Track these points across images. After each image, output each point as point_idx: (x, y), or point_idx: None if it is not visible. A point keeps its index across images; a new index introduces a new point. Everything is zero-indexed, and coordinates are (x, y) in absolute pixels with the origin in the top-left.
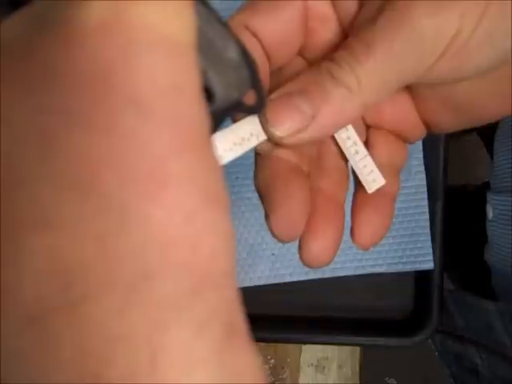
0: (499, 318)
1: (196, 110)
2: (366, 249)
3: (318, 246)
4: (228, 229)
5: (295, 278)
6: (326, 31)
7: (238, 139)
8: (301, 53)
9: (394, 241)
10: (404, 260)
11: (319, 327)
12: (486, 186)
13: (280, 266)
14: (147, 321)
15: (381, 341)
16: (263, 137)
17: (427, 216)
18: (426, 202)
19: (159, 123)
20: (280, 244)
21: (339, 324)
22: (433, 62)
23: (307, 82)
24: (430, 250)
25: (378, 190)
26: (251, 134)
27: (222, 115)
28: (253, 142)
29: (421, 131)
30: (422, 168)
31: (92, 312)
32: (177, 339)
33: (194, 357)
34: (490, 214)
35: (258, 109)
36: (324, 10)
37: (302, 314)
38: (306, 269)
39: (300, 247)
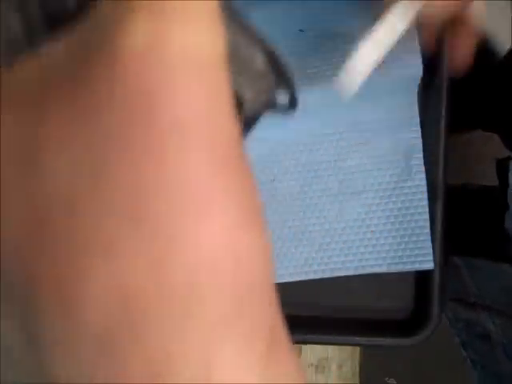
0: None
1: (231, 126)
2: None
3: None
4: (267, 244)
5: (295, 278)
6: None
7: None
8: None
9: (394, 241)
10: (404, 260)
11: (319, 327)
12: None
13: (280, 266)
14: (203, 340)
15: (381, 341)
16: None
17: (427, 216)
18: (425, 202)
19: (199, 148)
20: (280, 244)
21: (339, 324)
22: None
23: None
24: (430, 250)
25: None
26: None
27: (253, 117)
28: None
29: None
30: (422, 168)
31: (151, 334)
32: (228, 353)
33: (243, 368)
34: None
35: (291, 108)
36: None
37: (302, 314)
38: (306, 269)
39: None
